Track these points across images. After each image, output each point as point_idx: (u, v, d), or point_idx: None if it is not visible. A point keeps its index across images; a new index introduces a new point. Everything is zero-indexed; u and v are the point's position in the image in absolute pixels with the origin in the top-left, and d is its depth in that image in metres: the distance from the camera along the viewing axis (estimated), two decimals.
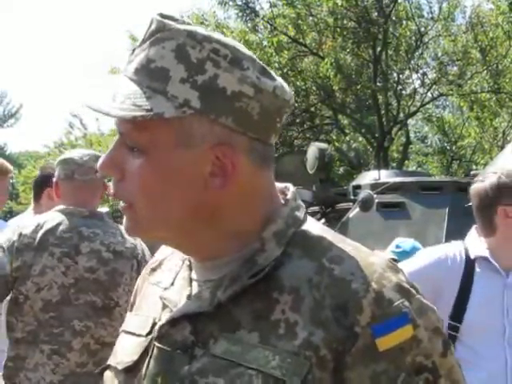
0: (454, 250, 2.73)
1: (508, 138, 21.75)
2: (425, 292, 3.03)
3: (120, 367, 1.18)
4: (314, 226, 1.17)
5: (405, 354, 1.04)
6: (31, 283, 2.94)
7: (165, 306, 1.17)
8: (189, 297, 1.15)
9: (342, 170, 22.88)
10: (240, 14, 20.20)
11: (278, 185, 1.20)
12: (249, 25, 20.09)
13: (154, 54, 1.07)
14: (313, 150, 7.80)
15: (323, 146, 8.24)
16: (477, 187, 2.74)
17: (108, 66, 24.18)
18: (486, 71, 20.01)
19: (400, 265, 2.93)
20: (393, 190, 7.15)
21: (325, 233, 1.16)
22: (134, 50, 1.13)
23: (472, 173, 11.19)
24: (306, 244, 1.13)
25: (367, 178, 8.41)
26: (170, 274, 1.22)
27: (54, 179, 3.22)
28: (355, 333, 1.03)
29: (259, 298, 1.08)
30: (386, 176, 8.06)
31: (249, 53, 1.11)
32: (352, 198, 7.52)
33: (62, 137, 26.60)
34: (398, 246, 4.71)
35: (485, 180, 2.71)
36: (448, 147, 25.65)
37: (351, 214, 7.01)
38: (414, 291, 1.10)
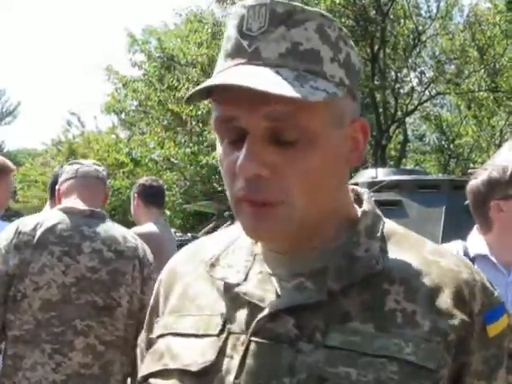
0: (452, 249, 2.71)
1: (505, 137, 21.77)
2: None
3: (194, 369, 1.09)
4: (395, 225, 1.20)
5: (504, 339, 1.11)
6: (29, 281, 2.92)
7: (239, 301, 1.11)
8: (276, 291, 1.09)
9: None
10: None
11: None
12: None
13: (298, 36, 1.03)
14: None
15: None
16: (470, 184, 2.75)
17: (104, 64, 24.14)
18: (483, 70, 20.03)
19: None
20: (390, 188, 7.16)
21: (408, 230, 1.20)
22: (243, 36, 1.04)
23: (469, 171, 11.22)
24: (397, 239, 1.15)
25: (365, 176, 8.42)
26: (236, 270, 1.15)
27: (57, 186, 3.26)
28: (473, 319, 1.07)
29: (368, 290, 1.08)
30: (383, 174, 8.08)
31: None
32: None
33: (59, 134, 26.59)
34: None
35: (477, 177, 2.72)
36: (446, 145, 25.68)
37: None
38: None
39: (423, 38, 20.63)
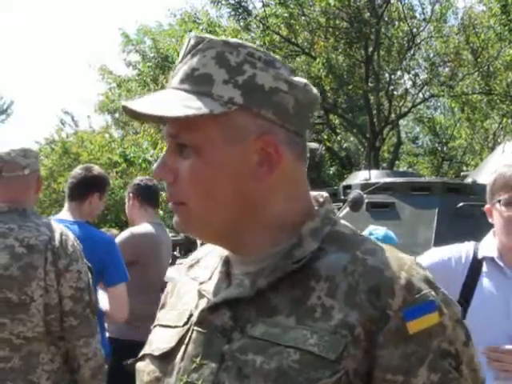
0: (460, 250, 2.68)
1: (498, 140, 21.83)
2: None
3: (156, 353, 1.29)
4: (347, 227, 1.29)
5: (432, 338, 1.14)
6: None
7: (201, 296, 1.28)
8: (228, 287, 1.26)
9: (332, 169, 22.91)
10: (232, 13, 20.18)
11: (312, 192, 1.33)
12: (241, 24, 20.06)
13: (196, 63, 1.22)
14: None
15: (314, 145, 8.28)
16: (487, 185, 2.71)
17: (98, 64, 24.12)
18: (477, 73, 20.07)
19: None
20: (383, 191, 7.17)
21: (357, 232, 1.29)
22: (176, 67, 1.27)
23: (462, 174, 11.24)
24: (340, 241, 1.25)
25: (358, 178, 8.44)
26: (207, 270, 1.33)
27: None
28: (387, 315, 1.13)
29: (296, 286, 1.19)
30: (376, 176, 8.10)
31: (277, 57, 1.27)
32: (342, 197, 7.54)
33: (53, 133, 26.51)
34: (370, 233, 4.77)
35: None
36: (439, 148, 25.74)
37: (341, 214, 7.02)
38: (438, 285, 1.22)
39: (417, 40, 20.63)
